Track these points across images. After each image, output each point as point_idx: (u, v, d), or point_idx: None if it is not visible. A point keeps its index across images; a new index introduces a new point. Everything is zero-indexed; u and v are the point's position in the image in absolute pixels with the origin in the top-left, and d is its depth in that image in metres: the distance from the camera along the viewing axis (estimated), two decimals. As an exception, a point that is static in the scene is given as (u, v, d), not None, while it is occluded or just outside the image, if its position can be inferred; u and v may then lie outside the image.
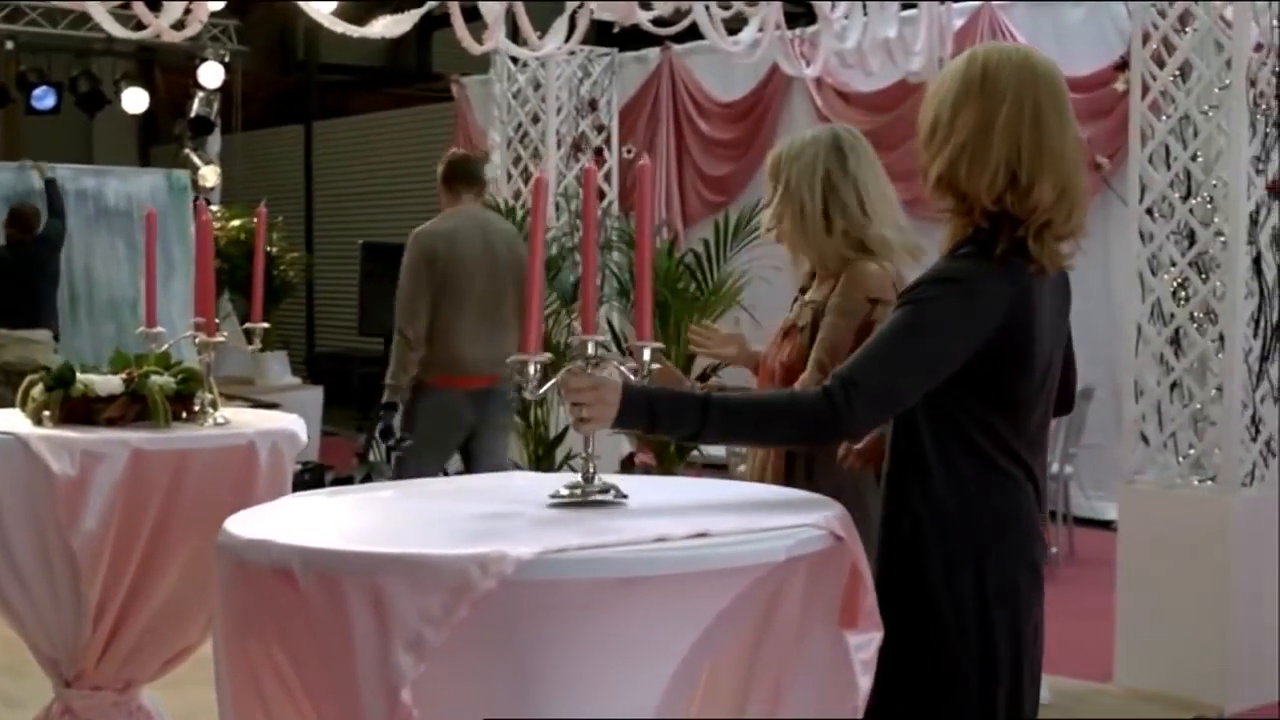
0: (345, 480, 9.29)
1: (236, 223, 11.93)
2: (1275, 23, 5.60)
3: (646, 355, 2.59)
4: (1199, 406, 5.74)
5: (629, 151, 9.43)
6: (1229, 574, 5.58)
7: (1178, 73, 5.71)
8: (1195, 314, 5.73)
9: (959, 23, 9.36)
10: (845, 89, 10.27)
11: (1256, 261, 5.63)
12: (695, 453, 7.73)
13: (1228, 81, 5.57)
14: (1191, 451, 5.78)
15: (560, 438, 7.88)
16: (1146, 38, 5.78)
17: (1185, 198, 5.74)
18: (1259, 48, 5.56)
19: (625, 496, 2.57)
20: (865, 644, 2.45)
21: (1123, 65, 5.94)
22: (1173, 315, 5.78)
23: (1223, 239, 5.62)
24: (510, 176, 8.64)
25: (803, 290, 3.63)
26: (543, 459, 7.97)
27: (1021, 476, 2.71)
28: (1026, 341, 2.65)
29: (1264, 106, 5.58)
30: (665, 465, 7.63)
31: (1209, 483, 5.74)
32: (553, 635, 2.15)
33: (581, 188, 2.90)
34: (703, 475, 8.26)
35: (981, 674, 2.67)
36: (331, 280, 16.36)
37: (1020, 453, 2.70)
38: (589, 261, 2.78)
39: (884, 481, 2.80)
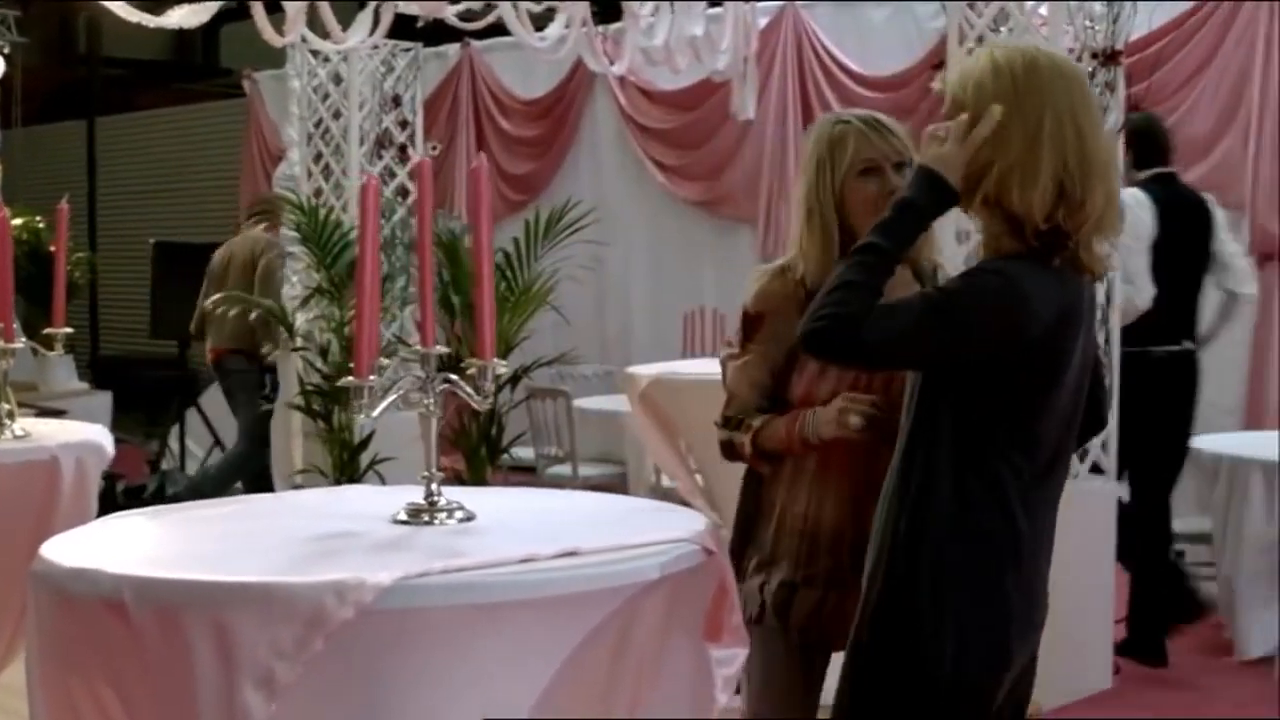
0: (138, 490, 8.96)
1: (18, 221, 11.41)
2: (1088, 22, 5.65)
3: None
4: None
5: (434, 149, 9.24)
6: (1055, 569, 5.58)
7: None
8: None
9: (763, 21, 9.35)
10: (649, 87, 10.21)
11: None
12: (505, 456, 7.58)
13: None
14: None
15: (365, 442, 7.66)
16: (962, 37, 5.78)
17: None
18: (1074, 50, 5.60)
19: (473, 514, 2.43)
20: (729, 659, 2.35)
21: (939, 64, 5.93)
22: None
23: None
24: (310, 174, 8.37)
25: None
26: (347, 465, 7.75)
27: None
28: (1062, 360, 2.55)
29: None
30: (475, 471, 7.47)
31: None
32: (413, 667, 2.00)
33: (416, 182, 2.74)
34: (510, 480, 8.19)
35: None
36: (117, 281, 15.82)
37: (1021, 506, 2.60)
38: (425, 272, 2.62)
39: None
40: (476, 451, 7.21)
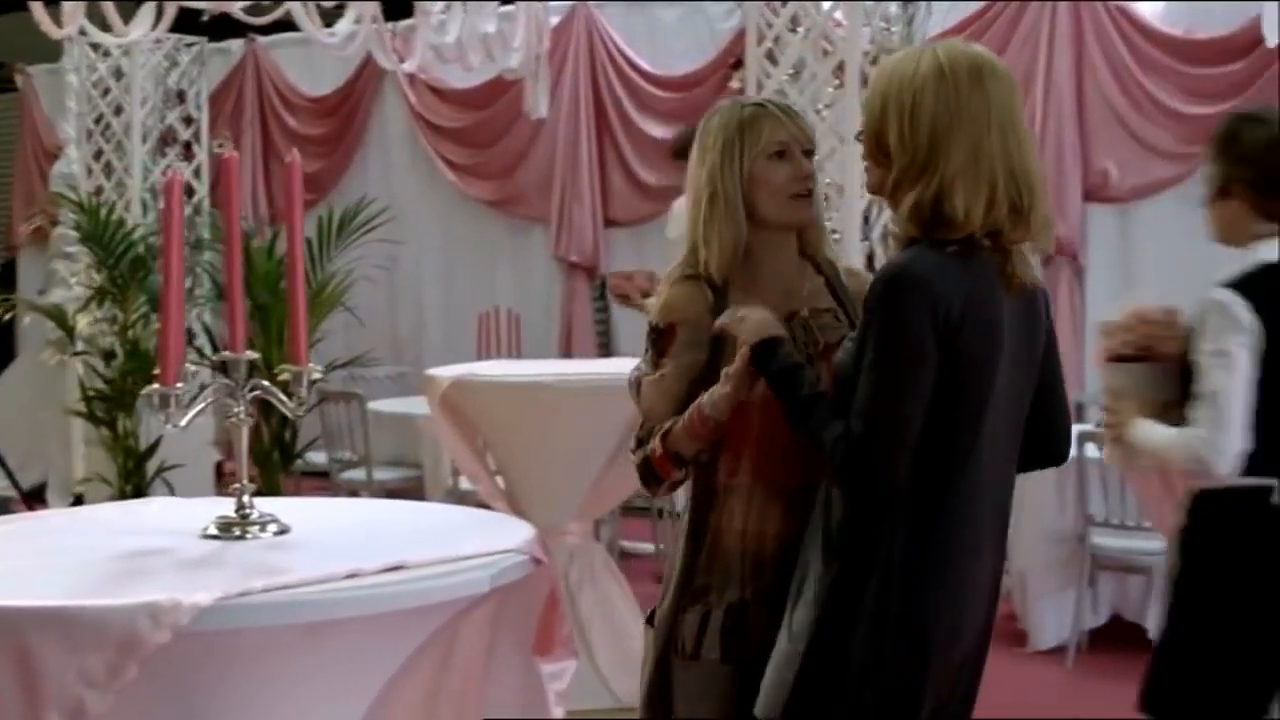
0: None
1: None
2: (884, 24, 5.70)
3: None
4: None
5: (221, 145, 9.00)
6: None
7: (792, 71, 5.75)
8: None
9: (555, 20, 9.30)
10: (440, 85, 10.08)
11: (870, 259, 5.71)
12: (299, 460, 7.40)
13: (840, 81, 5.64)
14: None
15: (152, 449, 7.43)
16: (761, 37, 5.80)
17: (799, 196, 5.77)
18: (869, 52, 5.65)
19: (288, 527, 2.32)
20: (560, 673, 2.27)
21: (737, 63, 5.94)
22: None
23: (837, 236, 5.67)
24: (90, 172, 8.09)
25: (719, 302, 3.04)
26: (133, 473, 7.51)
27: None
28: (975, 364, 2.46)
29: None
30: (268, 477, 7.28)
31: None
32: (233, 691, 1.89)
33: (220, 180, 2.61)
34: (303, 485, 8.00)
35: None
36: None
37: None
38: (234, 273, 2.50)
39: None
40: (269, 457, 7.03)
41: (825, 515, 2.55)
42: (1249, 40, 7.48)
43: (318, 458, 7.87)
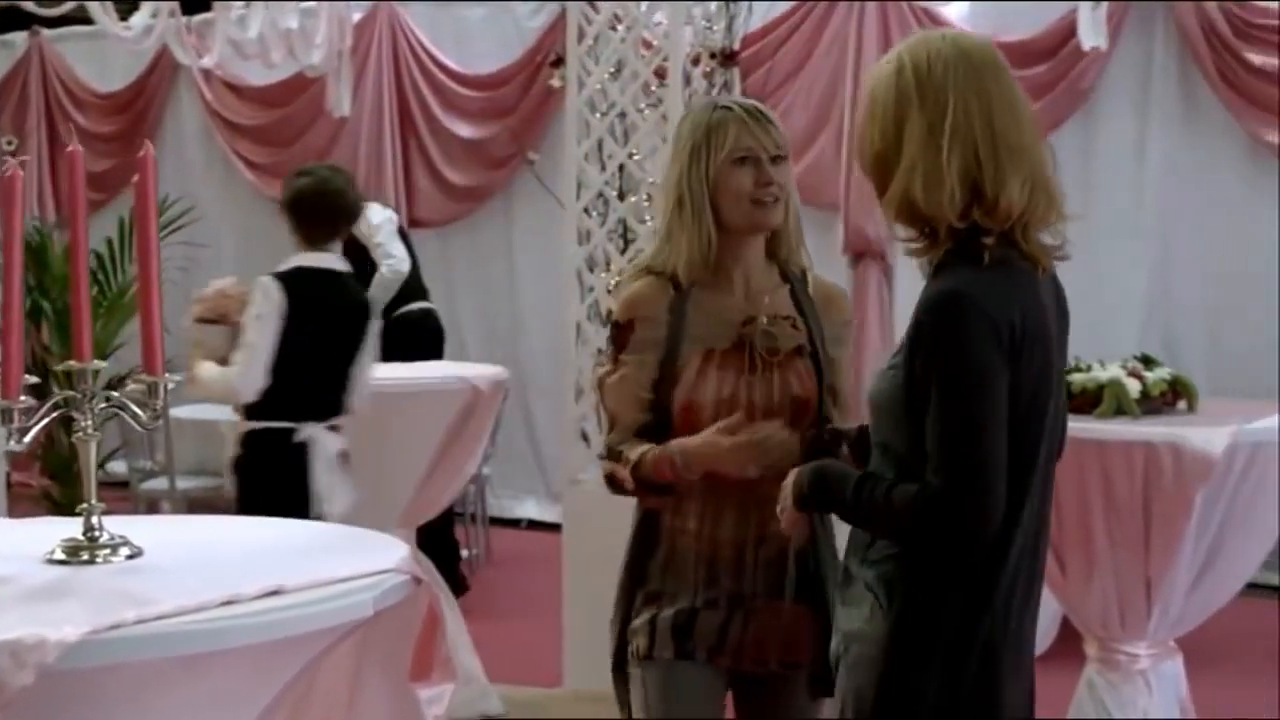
0: None
1: None
2: (706, 23, 5.66)
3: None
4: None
5: (10, 144, 8.63)
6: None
7: (614, 69, 5.68)
8: (634, 312, 5.70)
9: (358, 16, 9.11)
10: (237, 82, 9.81)
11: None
12: (100, 471, 7.10)
13: (665, 81, 5.58)
14: (634, 450, 5.75)
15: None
16: (581, 35, 5.71)
17: (622, 196, 5.71)
18: (690, 52, 5.61)
19: (140, 550, 2.17)
20: (438, 697, 2.16)
21: (558, 61, 5.85)
22: (609, 312, 5.73)
23: (662, 238, 5.62)
24: None
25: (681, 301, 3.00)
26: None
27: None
28: (1046, 358, 2.36)
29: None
30: (67, 489, 6.99)
31: (651, 480, 5.73)
32: (103, 733, 1.74)
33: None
34: (102, 497, 7.68)
35: None
36: None
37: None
38: (79, 276, 2.34)
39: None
40: (68, 467, 6.74)
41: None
42: (1055, 42, 7.63)
43: (118, 467, 7.58)
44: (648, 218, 5.66)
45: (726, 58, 5.70)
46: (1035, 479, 2.37)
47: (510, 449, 8.84)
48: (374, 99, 9.37)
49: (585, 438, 5.83)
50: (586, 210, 5.76)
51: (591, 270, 5.77)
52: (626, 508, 5.62)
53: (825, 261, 8.26)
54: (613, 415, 2.97)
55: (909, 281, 8.18)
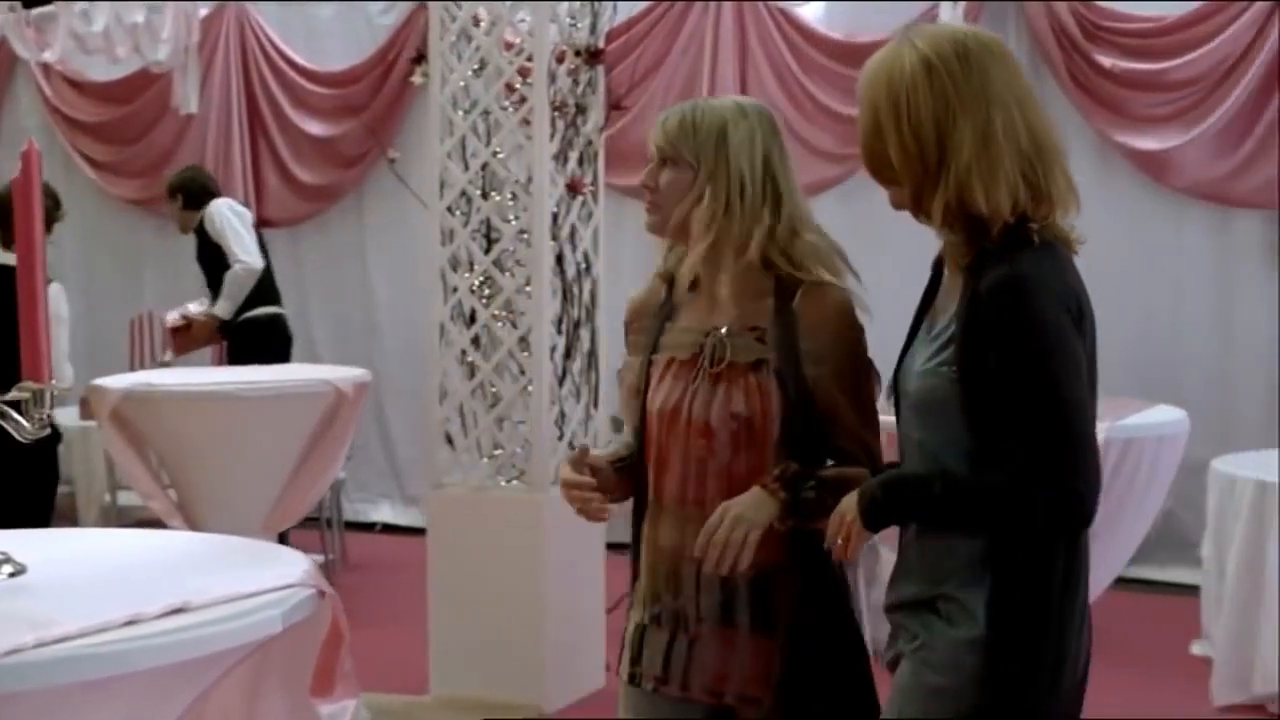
0: None
1: None
2: (570, 20, 5.61)
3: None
4: (505, 406, 5.66)
5: None
6: (542, 573, 5.54)
7: (477, 67, 5.60)
8: (499, 312, 5.64)
9: (205, 11, 8.92)
10: (78, 78, 9.54)
11: (559, 259, 5.61)
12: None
13: (529, 80, 5.52)
14: (498, 452, 5.69)
15: None
16: (443, 32, 5.62)
17: (486, 195, 5.64)
18: (562, 51, 5.55)
19: (24, 566, 2.07)
20: (340, 713, 2.09)
21: (419, 58, 5.75)
22: (473, 312, 5.67)
23: (526, 236, 5.57)
24: None
25: (672, 306, 2.88)
26: None
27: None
28: (1095, 331, 2.34)
29: (562, 105, 5.56)
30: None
31: (516, 483, 5.67)
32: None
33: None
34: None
35: None
36: None
37: None
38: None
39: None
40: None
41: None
42: (907, 44, 7.69)
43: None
44: (511, 217, 5.60)
45: (592, 56, 5.66)
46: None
47: (364, 452, 8.71)
48: (222, 96, 9.18)
49: (450, 440, 5.75)
50: (450, 209, 5.68)
51: (455, 270, 5.69)
52: (492, 511, 5.61)
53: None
54: (624, 419, 2.93)
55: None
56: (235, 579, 1.95)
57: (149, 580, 1.94)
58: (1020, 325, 2.23)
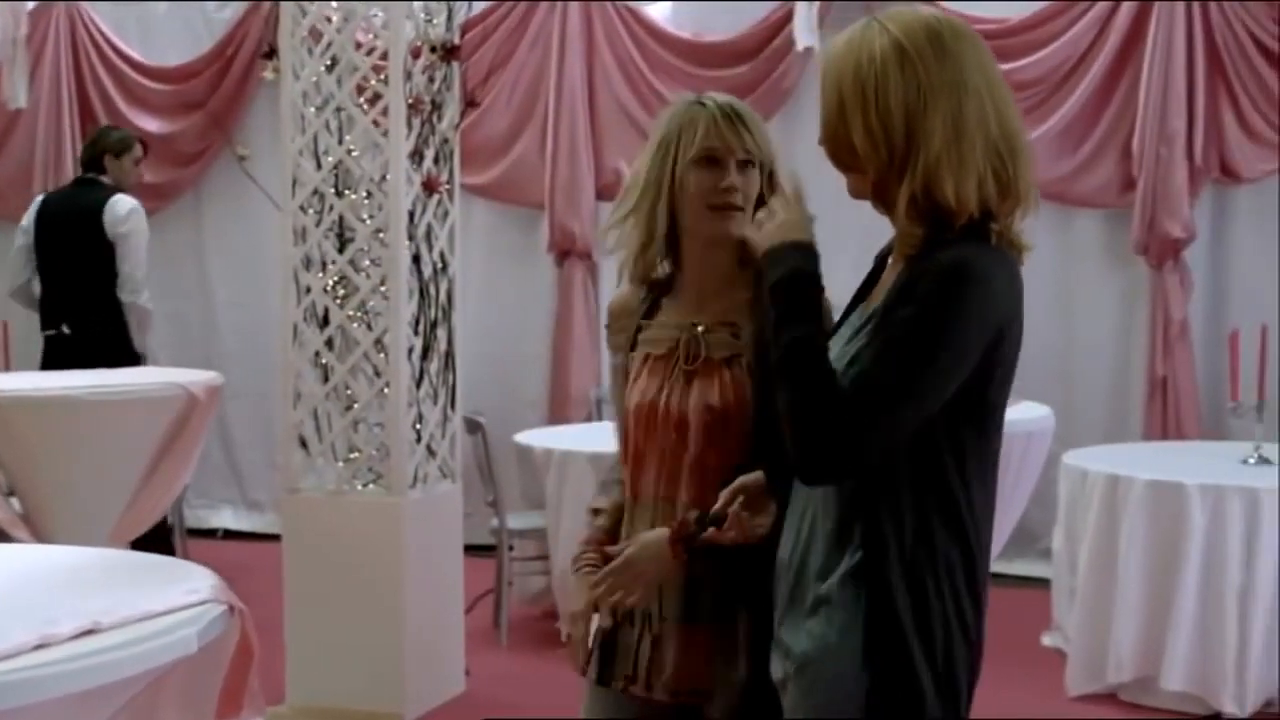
0: None
1: None
2: (425, 17, 5.51)
3: None
4: (361, 408, 5.55)
5: None
6: (401, 578, 5.45)
7: (329, 62, 5.48)
8: (354, 313, 5.53)
9: (33, 4, 8.66)
10: None
11: (415, 259, 5.52)
12: None
13: (383, 76, 5.42)
14: (354, 455, 5.58)
15: None
16: (294, 28, 5.50)
17: (340, 193, 5.52)
18: (417, 46, 5.45)
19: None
20: (245, 732, 2.00)
21: (270, 53, 5.61)
22: (327, 312, 5.55)
23: (382, 235, 5.47)
24: None
25: (653, 303, 2.85)
26: None
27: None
28: (1016, 348, 2.28)
29: (418, 102, 5.46)
30: None
31: (373, 486, 5.57)
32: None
33: None
34: None
35: None
36: None
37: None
38: None
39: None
40: None
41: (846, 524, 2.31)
42: (758, 42, 7.74)
43: None
44: (366, 215, 5.49)
45: (448, 52, 5.57)
46: (993, 456, 2.35)
47: (204, 457, 8.48)
48: (52, 90, 8.90)
49: (304, 444, 5.63)
50: (302, 208, 5.55)
51: (308, 270, 5.56)
52: (348, 516, 5.49)
53: (529, 260, 8.24)
54: (618, 430, 2.89)
55: (614, 279, 8.16)
56: (143, 597, 1.85)
57: (51, 600, 1.83)
58: (930, 296, 2.18)
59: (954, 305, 2.17)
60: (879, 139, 2.24)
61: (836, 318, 2.51)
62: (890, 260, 2.40)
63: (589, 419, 7.90)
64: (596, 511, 2.91)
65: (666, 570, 2.62)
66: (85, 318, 7.07)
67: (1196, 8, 7.17)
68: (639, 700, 2.77)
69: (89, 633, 1.70)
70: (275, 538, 8.29)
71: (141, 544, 5.62)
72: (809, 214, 2.37)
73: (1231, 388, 6.04)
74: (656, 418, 2.74)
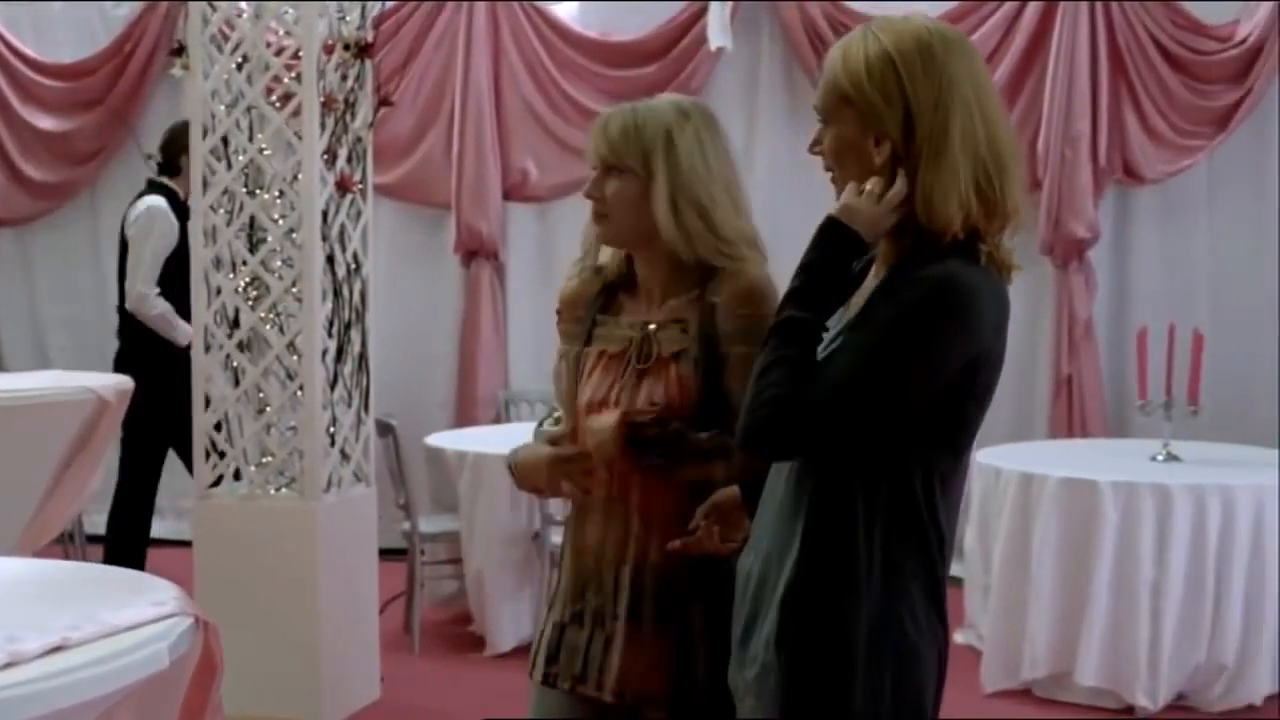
0: None
1: None
2: (338, 14, 5.43)
3: None
4: (274, 412, 5.46)
5: None
6: (316, 584, 5.36)
7: (242, 60, 5.38)
8: (266, 315, 5.44)
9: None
10: None
11: (329, 260, 5.44)
12: None
13: (295, 74, 5.33)
14: (267, 460, 5.49)
15: None
16: (204, 24, 5.39)
17: (252, 193, 5.43)
18: (330, 44, 5.37)
19: None
20: (205, 749, 1.94)
21: (179, 50, 5.50)
22: (237, 313, 5.45)
23: (296, 236, 5.38)
24: None
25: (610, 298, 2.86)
26: None
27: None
28: (998, 369, 2.24)
29: (330, 101, 5.38)
30: None
31: (285, 490, 5.48)
32: None
33: None
34: None
35: None
36: None
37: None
38: None
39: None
40: None
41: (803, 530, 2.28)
42: (666, 43, 7.72)
43: None
44: (278, 216, 5.40)
45: (361, 50, 5.50)
46: (963, 472, 2.34)
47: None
48: (-61, 87, 8.69)
49: (215, 448, 5.53)
50: (213, 207, 5.45)
51: (219, 270, 5.47)
52: (262, 521, 5.40)
53: (436, 261, 8.17)
54: (563, 414, 2.89)
55: (522, 280, 8.14)
56: (107, 610, 1.79)
57: (10, 615, 1.76)
58: (914, 305, 2.15)
59: (937, 319, 2.15)
60: (866, 147, 2.24)
61: None
62: (873, 269, 2.37)
63: (497, 420, 7.85)
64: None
65: (610, 449, 2.64)
66: (123, 330, 6.92)
67: (1099, 10, 7.26)
68: (588, 701, 2.76)
69: (57, 649, 1.63)
70: (174, 543, 8.23)
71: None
72: (887, 216, 2.27)
73: (1139, 386, 6.11)
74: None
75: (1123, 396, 7.36)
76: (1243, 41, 7.17)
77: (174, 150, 6.58)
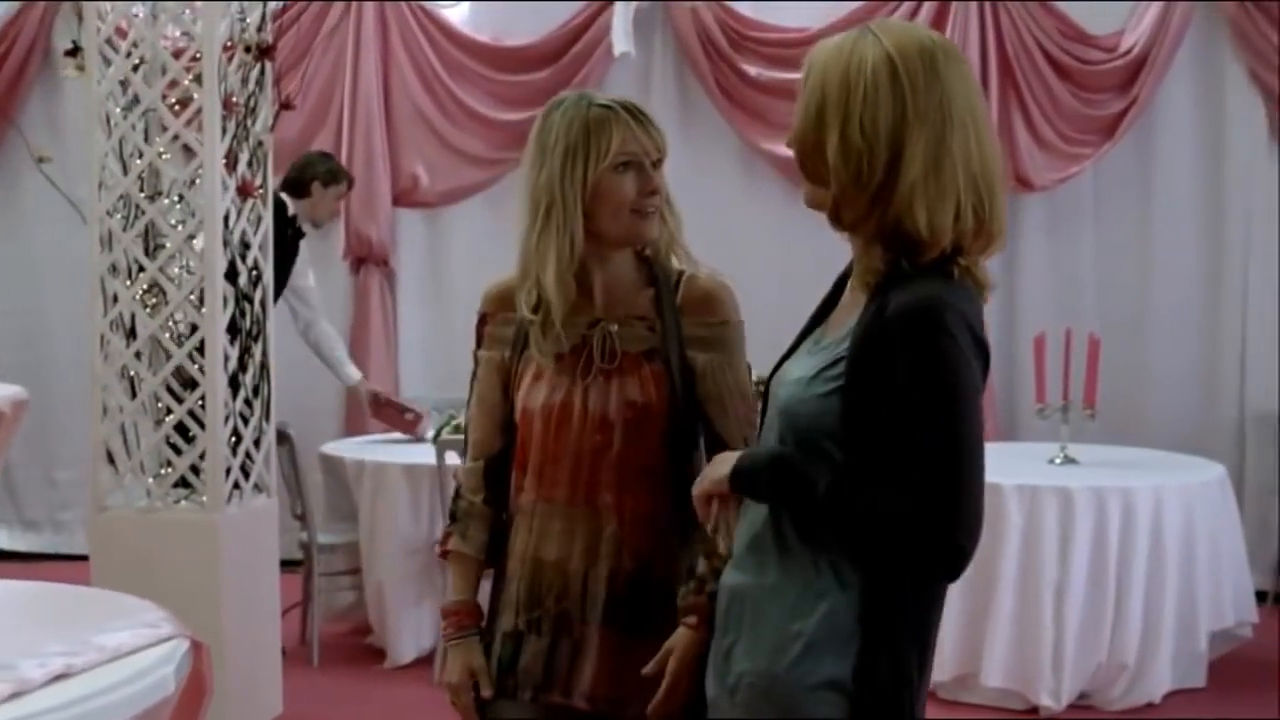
0: None
1: None
2: (238, 15, 5.32)
3: None
4: (174, 421, 5.32)
5: None
6: (218, 599, 5.23)
7: (137, 62, 5.25)
8: (166, 323, 5.30)
9: None
10: None
11: (231, 265, 5.32)
12: None
13: (193, 75, 5.21)
14: (166, 471, 5.35)
15: None
16: (99, 26, 5.24)
17: (151, 198, 5.29)
18: (229, 46, 5.25)
19: None
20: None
21: (75, 50, 5.35)
22: (133, 318, 5.31)
23: (196, 242, 5.25)
24: None
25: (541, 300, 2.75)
26: None
27: None
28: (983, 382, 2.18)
29: (230, 104, 5.26)
30: None
31: (186, 503, 5.34)
32: None
33: None
34: None
35: None
36: None
37: None
38: None
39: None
40: None
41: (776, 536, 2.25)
42: (558, 47, 7.68)
43: None
44: (177, 222, 5.27)
45: (262, 52, 5.39)
46: None
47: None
48: None
49: (112, 460, 5.38)
50: (109, 213, 5.31)
51: (115, 277, 5.32)
52: (161, 534, 5.26)
53: (325, 267, 8.04)
54: (469, 434, 2.81)
55: (412, 287, 8.05)
56: (98, 634, 1.72)
57: (14, 638, 1.68)
58: (932, 355, 2.09)
59: (942, 346, 2.09)
60: (853, 154, 2.14)
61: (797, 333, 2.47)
62: (849, 285, 2.31)
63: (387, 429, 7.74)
64: (455, 557, 2.80)
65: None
66: None
67: (989, 19, 7.34)
68: (554, 708, 2.71)
69: (62, 677, 1.56)
70: (54, 557, 8.02)
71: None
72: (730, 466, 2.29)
73: (1037, 390, 6.19)
74: (572, 418, 2.67)
75: (1013, 401, 7.45)
76: (1128, 52, 7.31)
77: (308, 175, 6.77)
